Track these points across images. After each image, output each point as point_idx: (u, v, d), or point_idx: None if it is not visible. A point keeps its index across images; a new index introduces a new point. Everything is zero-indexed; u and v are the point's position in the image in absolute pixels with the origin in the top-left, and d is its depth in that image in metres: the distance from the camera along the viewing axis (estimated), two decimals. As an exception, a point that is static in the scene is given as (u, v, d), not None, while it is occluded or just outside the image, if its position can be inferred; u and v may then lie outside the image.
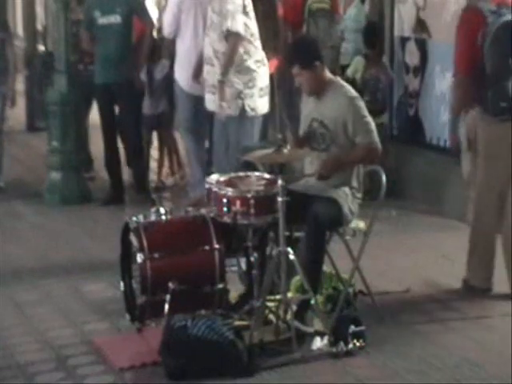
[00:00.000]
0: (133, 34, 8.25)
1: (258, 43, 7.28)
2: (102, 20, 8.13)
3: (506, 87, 5.65)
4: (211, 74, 7.21)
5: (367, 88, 8.13)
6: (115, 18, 8.10)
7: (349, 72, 8.41)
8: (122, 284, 5.31)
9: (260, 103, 7.29)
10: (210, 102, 7.29)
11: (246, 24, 7.15)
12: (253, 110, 7.25)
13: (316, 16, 8.91)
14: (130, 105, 8.29)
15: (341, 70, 8.66)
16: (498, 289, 5.84)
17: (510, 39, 5.62)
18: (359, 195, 5.47)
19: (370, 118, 5.41)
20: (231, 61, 7.11)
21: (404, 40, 8.42)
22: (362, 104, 5.44)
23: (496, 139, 5.77)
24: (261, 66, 7.28)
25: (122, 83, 8.10)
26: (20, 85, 10.93)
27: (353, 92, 5.49)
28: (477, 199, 5.94)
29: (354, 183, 5.45)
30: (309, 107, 5.58)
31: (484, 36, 5.66)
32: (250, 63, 7.22)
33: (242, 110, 7.22)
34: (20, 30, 15.58)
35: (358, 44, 8.96)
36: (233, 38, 7.08)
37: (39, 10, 14.86)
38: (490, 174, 5.83)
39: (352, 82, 8.09)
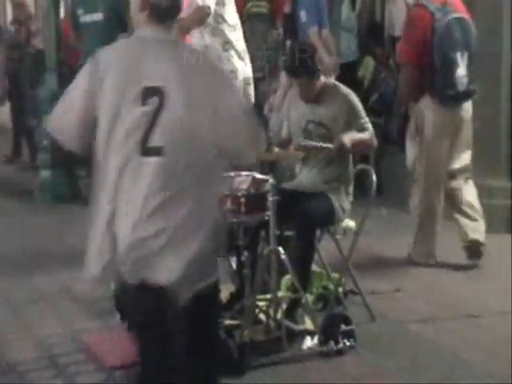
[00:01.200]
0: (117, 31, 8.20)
1: (237, 34, 7.07)
2: (85, 18, 8.11)
3: (452, 77, 6.32)
4: None
5: (377, 90, 8.20)
6: (97, 16, 8.06)
7: (359, 73, 8.50)
8: (112, 283, 5.29)
9: (240, 66, 7.01)
10: None
11: (221, 10, 6.93)
12: (232, 72, 6.94)
13: (253, 20, 8.89)
14: None
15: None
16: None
17: (455, 35, 6.33)
18: (351, 192, 5.49)
19: (364, 113, 5.47)
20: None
21: (395, 40, 8.43)
22: (357, 99, 5.50)
23: (441, 124, 6.44)
24: (243, 57, 7.09)
25: None
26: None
27: (347, 89, 5.52)
28: (423, 182, 6.49)
29: (347, 180, 5.48)
30: (300, 111, 5.58)
31: (433, 31, 6.29)
32: (225, 26, 6.99)
33: None
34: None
35: (349, 42, 8.97)
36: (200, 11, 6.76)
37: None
38: (435, 157, 6.46)
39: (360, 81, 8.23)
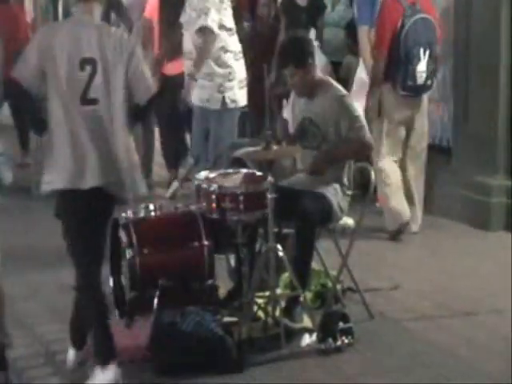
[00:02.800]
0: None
1: (234, 37, 7.47)
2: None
3: (413, 70, 6.92)
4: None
5: None
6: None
7: (341, 73, 8.66)
8: (110, 280, 5.31)
9: (240, 95, 7.44)
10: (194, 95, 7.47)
11: (222, 19, 7.32)
12: (233, 102, 7.39)
13: None
14: None
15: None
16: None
17: (420, 32, 6.91)
18: (349, 192, 5.50)
19: (360, 115, 5.45)
20: (203, 56, 7.30)
21: None
22: (351, 101, 5.48)
23: (398, 111, 7.07)
24: (239, 58, 7.45)
25: None
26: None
27: (342, 90, 5.53)
28: (384, 161, 7.08)
29: (345, 180, 5.48)
30: (299, 106, 5.61)
31: (402, 25, 6.88)
32: (228, 57, 7.36)
33: (223, 103, 7.34)
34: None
35: (337, 41, 9.02)
36: (206, 34, 7.24)
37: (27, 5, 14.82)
38: (393, 138, 7.12)
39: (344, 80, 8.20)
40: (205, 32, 7.25)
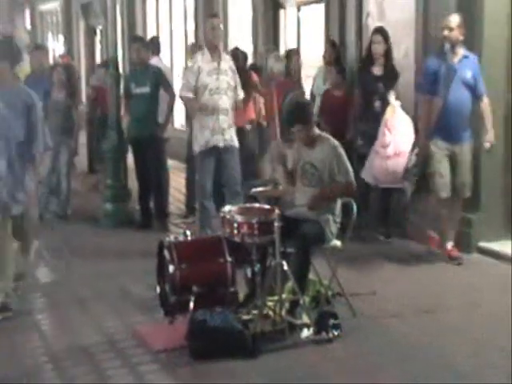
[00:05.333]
0: (158, 101, 8.20)
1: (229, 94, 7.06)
2: (136, 90, 8.14)
3: None
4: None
5: None
6: (146, 89, 8.10)
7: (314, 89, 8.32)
8: (157, 287, 5.30)
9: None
10: (223, 141, 7.01)
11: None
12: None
13: None
14: (154, 152, 8.18)
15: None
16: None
17: None
18: (338, 220, 5.45)
19: (348, 163, 5.41)
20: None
21: None
22: (342, 151, 5.42)
23: None
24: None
25: (149, 136, 8.07)
26: (83, 138, 10.95)
27: (336, 142, 5.47)
28: None
29: (335, 211, 5.44)
30: (301, 152, 5.56)
31: None
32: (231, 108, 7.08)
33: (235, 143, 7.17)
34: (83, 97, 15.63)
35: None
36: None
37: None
38: None
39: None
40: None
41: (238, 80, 7.16)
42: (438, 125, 6.38)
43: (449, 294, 5.88)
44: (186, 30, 13.08)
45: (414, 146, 6.66)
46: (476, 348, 4.81)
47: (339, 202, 5.45)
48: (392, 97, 7.01)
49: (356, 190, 5.44)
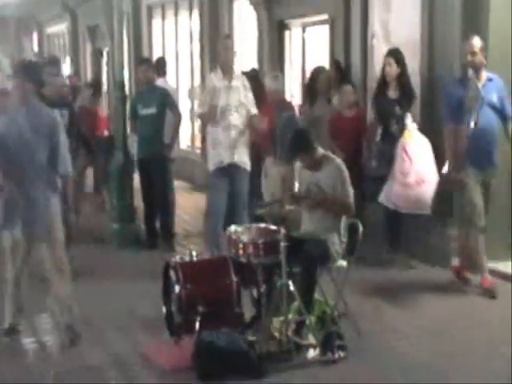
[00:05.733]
0: (164, 122, 8.25)
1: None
2: (142, 111, 8.19)
3: None
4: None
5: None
6: (152, 110, 8.15)
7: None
8: (163, 307, 5.31)
9: None
10: (235, 158, 7.10)
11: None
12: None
13: None
14: (160, 172, 8.20)
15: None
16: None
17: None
18: (344, 240, 5.47)
19: (350, 186, 5.43)
20: None
21: None
22: (347, 174, 5.45)
23: None
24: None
25: (155, 156, 8.12)
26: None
27: (341, 164, 5.50)
28: None
29: (341, 230, 5.45)
30: (306, 174, 5.60)
31: None
32: (243, 125, 7.15)
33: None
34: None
35: None
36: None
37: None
38: None
39: None
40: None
41: (251, 97, 7.26)
42: (467, 153, 6.15)
43: (457, 315, 5.86)
44: (191, 51, 13.18)
45: (442, 177, 6.44)
46: (480, 372, 4.78)
47: (344, 222, 5.47)
48: (409, 119, 6.88)
49: (352, 212, 5.42)
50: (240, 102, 7.13)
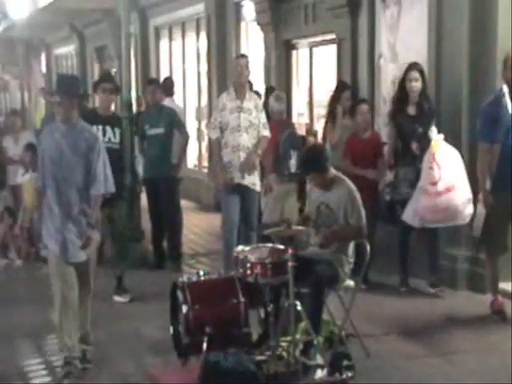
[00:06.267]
0: (172, 141, 8.27)
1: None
2: (150, 131, 8.22)
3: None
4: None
5: None
6: (160, 130, 8.17)
7: None
8: (171, 328, 5.30)
9: None
10: (244, 178, 7.16)
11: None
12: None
13: None
14: (168, 192, 8.21)
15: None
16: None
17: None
18: (352, 260, 5.47)
19: (362, 208, 5.42)
20: None
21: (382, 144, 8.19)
22: (358, 195, 5.45)
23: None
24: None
25: (163, 176, 8.14)
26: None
27: (352, 185, 5.50)
28: None
29: (349, 251, 5.46)
30: (317, 193, 5.61)
31: None
32: (253, 146, 7.19)
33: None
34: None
35: None
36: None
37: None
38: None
39: None
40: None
41: (263, 118, 7.30)
42: (498, 174, 5.98)
43: (468, 335, 5.84)
44: (198, 71, 13.28)
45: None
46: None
47: (352, 243, 5.47)
48: (434, 131, 6.76)
49: (365, 235, 5.40)
50: (251, 122, 7.17)
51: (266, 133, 7.30)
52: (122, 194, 6.75)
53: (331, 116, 7.98)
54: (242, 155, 7.12)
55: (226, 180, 7.16)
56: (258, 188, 7.30)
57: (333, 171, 5.57)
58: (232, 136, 7.12)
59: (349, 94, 8.02)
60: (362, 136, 7.41)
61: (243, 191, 7.19)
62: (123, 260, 7.24)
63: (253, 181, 7.23)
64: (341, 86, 8.22)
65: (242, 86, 7.23)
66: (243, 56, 7.82)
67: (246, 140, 7.13)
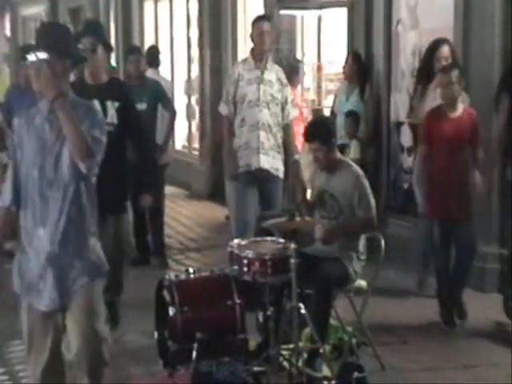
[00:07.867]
0: (157, 119, 8.22)
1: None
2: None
3: None
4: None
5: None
6: (142, 106, 8.12)
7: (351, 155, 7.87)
8: (156, 333, 5.31)
9: None
10: (265, 162, 6.83)
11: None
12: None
13: None
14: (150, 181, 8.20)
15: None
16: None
17: None
18: (363, 257, 5.48)
19: (371, 195, 5.44)
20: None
21: (399, 124, 8.23)
22: (366, 182, 5.47)
23: None
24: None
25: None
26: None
27: (359, 170, 5.53)
28: None
29: (359, 247, 5.47)
30: (320, 180, 5.62)
31: None
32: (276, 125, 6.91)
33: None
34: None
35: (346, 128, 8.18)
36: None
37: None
38: None
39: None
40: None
41: (288, 95, 6.99)
42: None
43: (495, 346, 5.87)
44: (188, 38, 13.22)
45: None
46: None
47: (363, 237, 5.48)
48: None
49: (373, 226, 5.42)
50: (273, 96, 6.84)
51: (296, 113, 7.07)
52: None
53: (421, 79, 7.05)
54: (262, 134, 6.78)
55: (237, 167, 6.85)
56: (281, 174, 6.94)
57: (338, 154, 5.58)
58: (250, 111, 6.77)
59: (447, 50, 6.83)
60: (449, 113, 6.25)
61: (263, 178, 6.85)
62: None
63: (275, 165, 6.88)
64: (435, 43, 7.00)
65: (264, 54, 6.89)
66: (264, 17, 7.37)
67: (267, 116, 6.79)
